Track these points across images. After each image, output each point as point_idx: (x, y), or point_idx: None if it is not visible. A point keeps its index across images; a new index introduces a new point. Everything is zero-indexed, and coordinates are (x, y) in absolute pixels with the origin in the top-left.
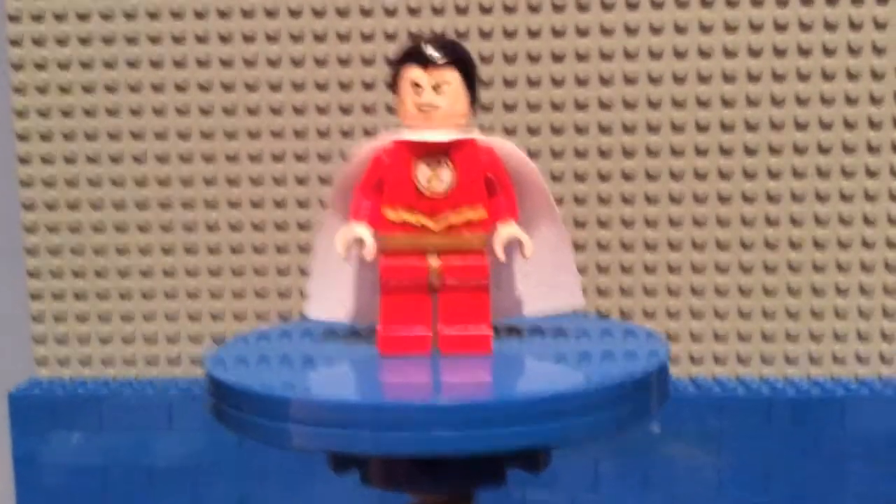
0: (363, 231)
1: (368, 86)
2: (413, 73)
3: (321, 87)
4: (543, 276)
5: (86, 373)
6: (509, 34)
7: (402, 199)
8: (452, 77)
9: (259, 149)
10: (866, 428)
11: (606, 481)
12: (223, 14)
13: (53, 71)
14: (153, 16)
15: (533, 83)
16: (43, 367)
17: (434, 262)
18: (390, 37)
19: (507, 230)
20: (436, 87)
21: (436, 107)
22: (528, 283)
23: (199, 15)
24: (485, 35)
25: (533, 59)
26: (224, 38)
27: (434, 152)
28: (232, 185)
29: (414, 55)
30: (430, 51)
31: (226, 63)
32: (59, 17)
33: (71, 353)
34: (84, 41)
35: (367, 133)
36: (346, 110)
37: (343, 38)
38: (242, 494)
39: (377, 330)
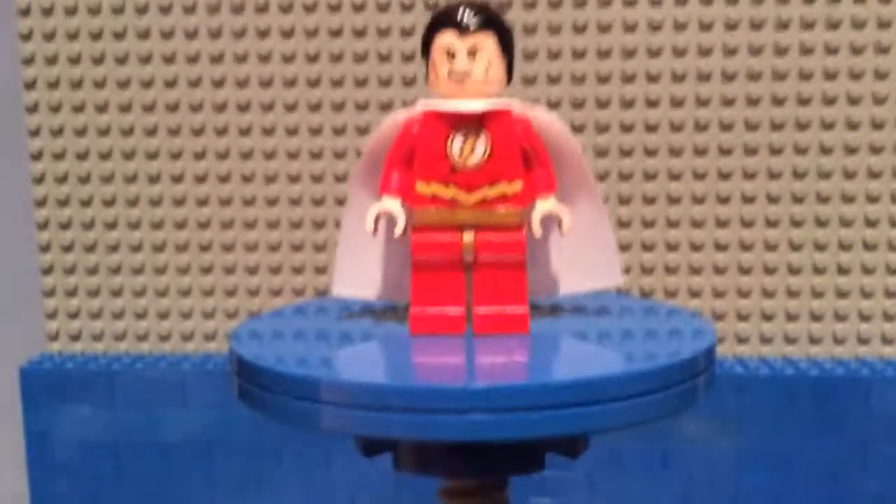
0: (393, 205)
1: (408, 57)
2: (446, 38)
3: (360, 58)
4: (582, 253)
5: (98, 347)
6: (553, 4)
7: (434, 172)
8: (487, 42)
9: (273, 121)
10: (890, 408)
11: (626, 460)
12: (236, 9)
13: (64, 65)
14: (165, 10)
15: (578, 55)
16: (54, 342)
17: (468, 237)
18: (431, 7)
19: (544, 205)
20: (470, 54)
21: (470, 74)
22: (565, 260)
23: (212, 9)
24: (529, 6)
25: (578, 29)
26: (237, 34)
27: (468, 123)
28: (245, 159)
29: (447, 19)
30: (464, 14)
31: (240, 58)
32: (70, 12)
33: (83, 327)
34: (95, 36)
35: (406, 105)
36: (384, 83)
37: (382, 7)
38: (258, 473)
39: (409, 309)
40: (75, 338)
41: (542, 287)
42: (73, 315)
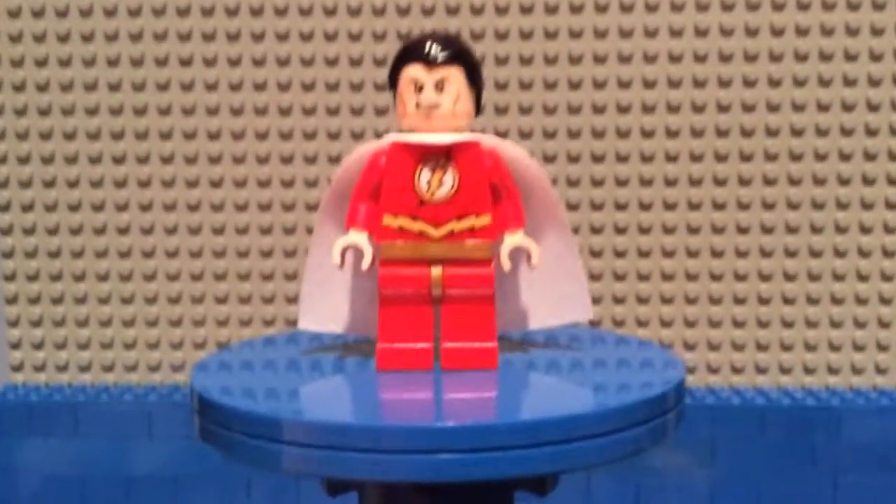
0: (360, 238)
1: (380, 87)
2: (413, 71)
3: (331, 87)
4: (551, 287)
5: (62, 378)
6: (525, 35)
7: (401, 205)
8: (455, 74)
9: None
10: (861, 438)
11: (599, 491)
12: (207, 38)
13: (31, 92)
14: (133, 13)
15: (549, 86)
16: (18, 373)
17: (436, 271)
18: (403, 37)
19: (513, 239)
20: (438, 86)
21: (437, 106)
22: (534, 294)
23: (183, 38)
24: (500, 36)
25: (549, 61)
26: (208, 62)
27: (435, 155)
28: (215, 188)
29: (415, 52)
30: (432, 48)
31: (233, 62)
32: (37, 15)
33: (47, 357)
34: (63, 63)
35: (378, 134)
36: (356, 112)
37: (354, 37)
38: None
39: (376, 343)
40: (39, 369)
41: (511, 322)
42: (38, 346)
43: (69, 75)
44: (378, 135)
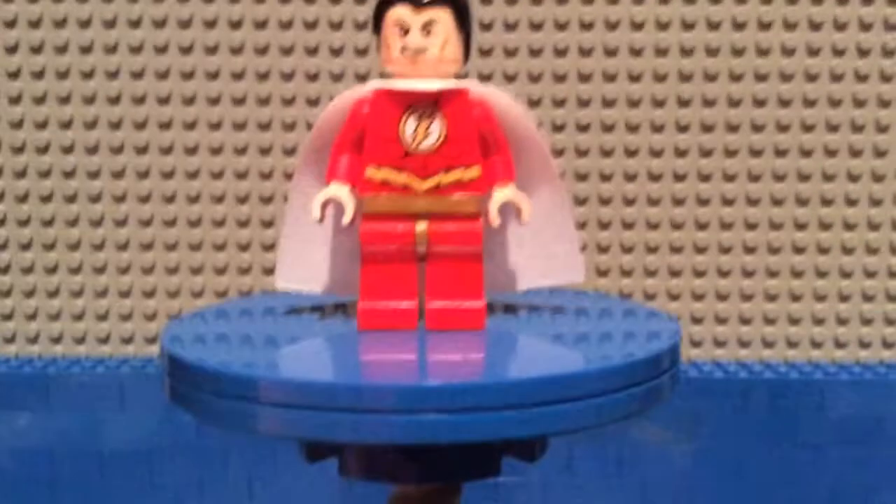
0: (341, 192)
1: (360, 25)
2: (399, 12)
3: (309, 25)
4: (542, 246)
5: (33, 350)
6: None
7: (385, 157)
8: (443, 16)
9: (219, 115)
10: (844, 413)
11: (580, 463)
12: None
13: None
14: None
15: (535, 26)
16: None
17: (421, 226)
18: None
19: (503, 193)
20: (425, 29)
21: (424, 50)
22: (524, 254)
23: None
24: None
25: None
26: None
27: (422, 103)
28: (189, 154)
29: None
30: None
31: (183, 25)
32: None
33: (17, 329)
34: (34, 24)
35: (358, 77)
36: (335, 51)
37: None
38: (201, 480)
39: (357, 303)
40: (9, 340)
41: (500, 282)
42: (7, 317)
43: (39, 36)
44: (359, 77)
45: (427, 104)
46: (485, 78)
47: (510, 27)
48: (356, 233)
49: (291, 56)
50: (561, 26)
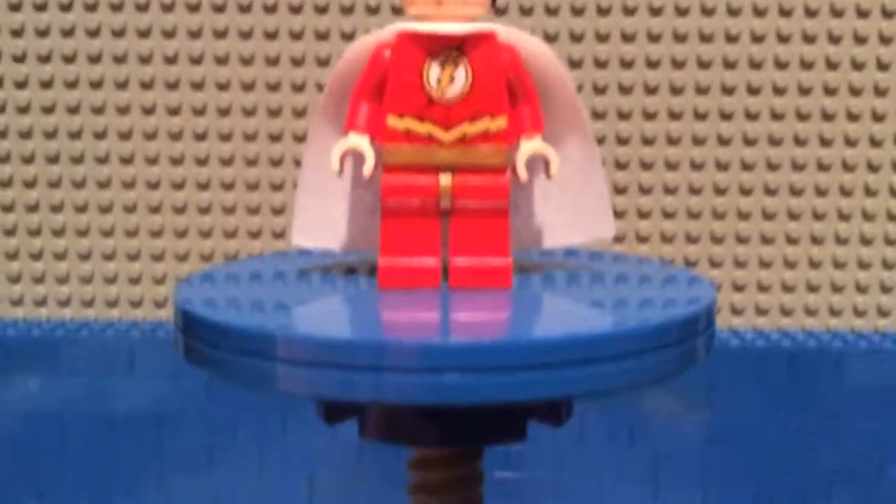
0: (361, 142)
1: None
2: None
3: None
4: (570, 201)
5: (41, 313)
6: None
7: (407, 105)
8: None
9: (227, 76)
10: (862, 381)
11: (592, 433)
12: None
13: None
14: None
15: (576, 11)
16: None
17: (445, 180)
18: None
19: (530, 145)
20: None
21: None
22: (551, 207)
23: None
24: None
25: None
26: None
27: (447, 49)
28: (197, 115)
29: None
30: None
31: (192, 7)
32: None
33: (25, 292)
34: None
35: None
36: (346, 10)
37: None
38: (210, 446)
39: (377, 260)
40: (17, 303)
41: (526, 238)
42: (15, 279)
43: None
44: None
45: (452, 49)
46: (510, 24)
47: None
48: (376, 186)
49: (300, 15)
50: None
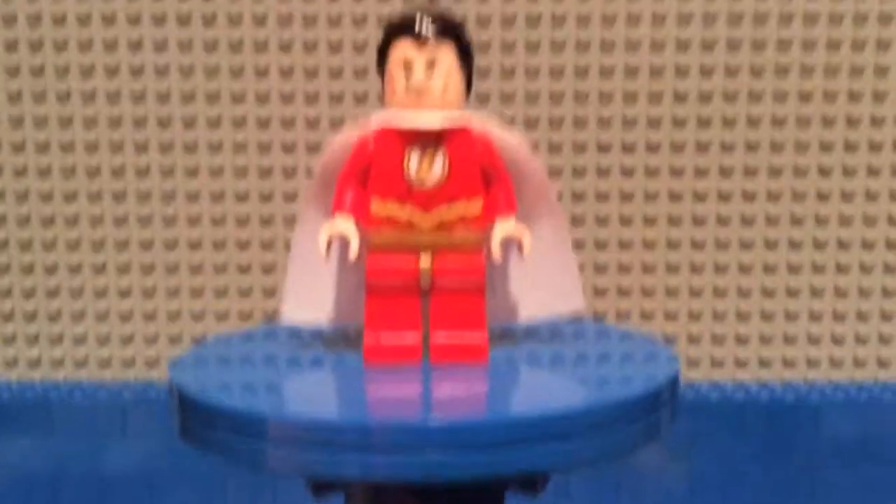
0: (347, 226)
1: (360, 73)
2: (403, 49)
3: (310, 73)
4: (543, 277)
5: (34, 375)
6: (507, 21)
7: (389, 191)
8: (446, 54)
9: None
10: (840, 433)
11: (577, 485)
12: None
13: None
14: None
15: (531, 74)
16: None
17: (425, 260)
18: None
19: (504, 227)
20: (428, 66)
21: (428, 88)
22: (525, 284)
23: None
24: (483, 21)
25: (532, 47)
26: (207, 20)
27: (425, 139)
28: (190, 177)
29: (404, 28)
30: (423, 24)
31: (209, 46)
32: None
33: (19, 353)
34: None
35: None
36: (336, 98)
37: (333, 21)
38: None
39: (362, 335)
40: (11, 364)
41: (502, 313)
42: (9, 340)
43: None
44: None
45: (430, 139)
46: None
47: (506, 74)
48: (361, 266)
49: (316, 78)
50: (555, 73)
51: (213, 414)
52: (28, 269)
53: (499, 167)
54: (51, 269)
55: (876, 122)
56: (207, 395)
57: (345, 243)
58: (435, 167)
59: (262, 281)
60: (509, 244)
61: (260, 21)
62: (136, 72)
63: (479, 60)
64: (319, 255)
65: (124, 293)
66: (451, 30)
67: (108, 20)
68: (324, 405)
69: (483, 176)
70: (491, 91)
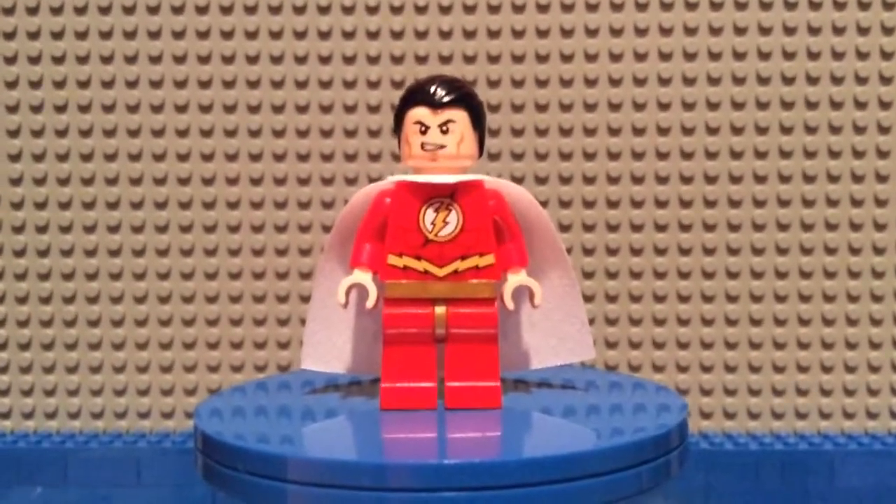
0: (365, 278)
1: (374, 133)
2: (419, 112)
3: (326, 133)
4: (553, 326)
5: (51, 425)
6: (517, 83)
7: (406, 245)
8: (459, 117)
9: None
10: (854, 483)
11: None
12: (226, 59)
13: None
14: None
15: (541, 132)
16: (6, 420)
17: (440, 310)
18: (397, 84)
19: (516, 278)
20: (442, 128)
21: (442, 147)
22: (536, 334)
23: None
24: (492, 84)
25: (540, 107)
26: (227, 84)
27: (440, 195)
28: (208, 233)
29: (420, 95)
30: (437, 90)
31: (228, 83)
32: None
33: (36, 404)
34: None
35: (372, 180)
36: (350, 157)
37: (349, 84)
38: None
39: (379, 383)
40: (28, 415)
41: (514, 361)
42: (27, 392)
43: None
44: (372, 180)
45: (445, 196)
46: (494, 174)
47: (517, 132)
48: (378, 316)
49: (331, 138)
50: (565, 132)
51: (236, 456)
52: (47, 323)
53: (511, 222)
54: (69, 323)
55: None
56: (232, 437)
57: (363, 294)
58: (449, 222)
59: (276, 333)
60: (521, 294)
61: (277, 84)
62: (158, 133)
63: (490, 120)
64: (338, 306)
65: (141, 345)
66: (463, 96)
67: (131, 59)
68: (342, 447)
69: (496, 230)
70: (502, 148)
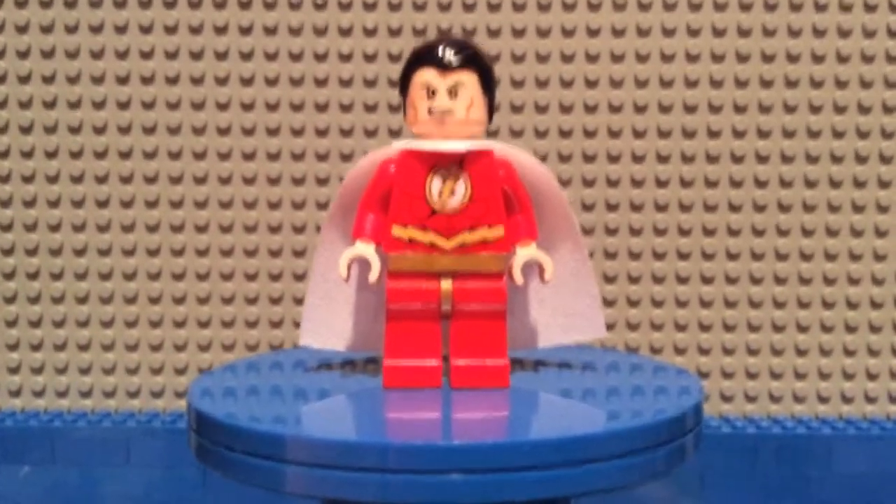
0: (367, 250)
1: (370, 132)
2: (426, 75)
3: (321, 107)
4: (564, 303)
5: (39, 404)
6: (516, 83)
7: (411, 216)
8: (469, 80)
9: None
10: (851, 468)
11: None
12: (243, 5)
13: None
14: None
15: (565, 109)
16: None
17: (446, 285)
18: (394, 83)
19: (525, 252)
20: (451, 92)
21: (451, 112)
22: (546, 310)
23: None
24: (517, 58)
25: (566, 83)
26: (243, 30)
27: (448, 164)
28: (199, 208)
29: (427, 56)
30: (446, 52)
31: (220, 81)
32: None
33: (23, 382)
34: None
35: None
36: (346, 132)
37: (345, 83)
38: None
39: (382, 360)
40: (15, 394)
41: (522, 339)
42: (14, 370)
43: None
44: (392, 133)
45: (452, 164)
46: (505, 141)
47: (541, 109)
48: (381, 290)
49: (326, 113)
50: (589, 108)
51: (233, 435)
52: (34, 300)
53: (521, 193)
54: (57, 300)
55: None
56: (227, 417)
57: (365, 267)
58: (457, 192)
59: (268, 311)
60: (530, 269)
61: (297, 56)
62: (148, 131)
63: (514, 96)
64: (339, 280)
65: (131, 323)
66: (473, 58)
67: (146, 55)
68: (342, 426)
69: (505, 201)
70: (525, 126)
